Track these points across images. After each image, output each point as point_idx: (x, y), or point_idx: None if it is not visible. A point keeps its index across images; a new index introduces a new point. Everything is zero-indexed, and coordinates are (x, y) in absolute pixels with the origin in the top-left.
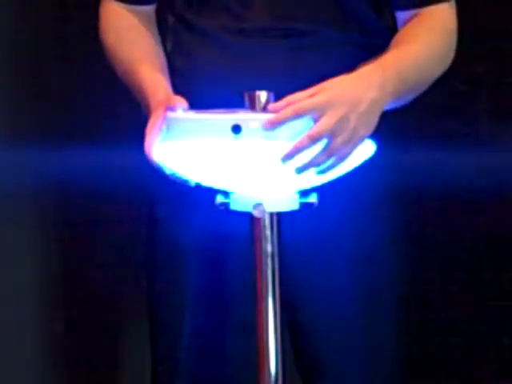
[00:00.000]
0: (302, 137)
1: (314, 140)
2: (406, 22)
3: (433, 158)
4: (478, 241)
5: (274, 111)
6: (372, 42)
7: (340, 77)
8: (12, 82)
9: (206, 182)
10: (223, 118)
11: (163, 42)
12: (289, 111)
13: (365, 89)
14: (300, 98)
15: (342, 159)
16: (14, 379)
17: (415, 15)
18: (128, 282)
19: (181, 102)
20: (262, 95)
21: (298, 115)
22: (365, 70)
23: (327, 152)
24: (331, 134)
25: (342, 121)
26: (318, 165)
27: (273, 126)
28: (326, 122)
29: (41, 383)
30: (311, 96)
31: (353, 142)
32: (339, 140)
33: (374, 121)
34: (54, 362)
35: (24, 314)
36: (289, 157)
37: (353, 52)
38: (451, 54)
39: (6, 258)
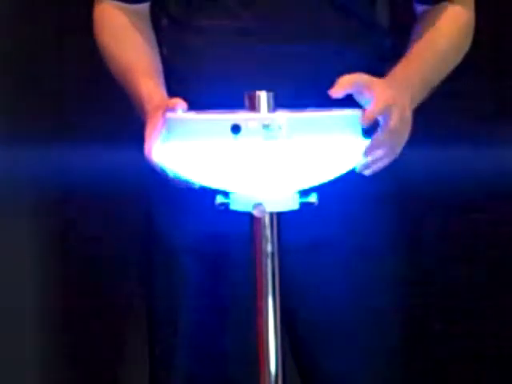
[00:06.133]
0: (381, 132)
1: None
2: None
3: (433, 158)
4: (478, 240)
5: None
6: (372, 39)
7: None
8: (9, 80)
9: (206, 183)
10: (222, 118)
11: (158, 45)
12: (381, 108)
13: (406, 96)
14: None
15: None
16: (14, 378)
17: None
18: (128, 281)
19: (180, 103)
20: (262, 95)
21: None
22: (399, 83)
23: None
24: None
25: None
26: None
27: (369, 121)
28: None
29: (40, 382)
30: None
31: (401, 144)
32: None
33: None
34: (53, 362)
35: (23, 313)
36: (370, 151)
37: (353, 55)
38: (469, 43)
39: (6, 257)
